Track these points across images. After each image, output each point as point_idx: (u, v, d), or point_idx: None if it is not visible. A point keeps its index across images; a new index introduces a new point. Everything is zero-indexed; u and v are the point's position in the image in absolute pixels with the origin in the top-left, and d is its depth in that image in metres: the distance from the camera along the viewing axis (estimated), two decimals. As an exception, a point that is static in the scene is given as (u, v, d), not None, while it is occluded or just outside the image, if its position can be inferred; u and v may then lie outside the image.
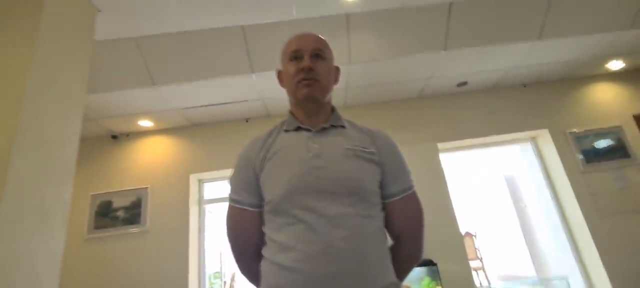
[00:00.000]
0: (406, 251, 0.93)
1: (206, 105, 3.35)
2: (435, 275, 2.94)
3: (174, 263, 3.18)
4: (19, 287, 1.39)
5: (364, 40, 2.84)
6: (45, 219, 1.58)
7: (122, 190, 3.43)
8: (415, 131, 3.62)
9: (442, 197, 3.32)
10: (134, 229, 3.30)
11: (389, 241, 0.93)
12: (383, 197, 0.91)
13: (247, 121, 3.75)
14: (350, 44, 2.82)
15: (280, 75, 1.04)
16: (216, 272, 4.89)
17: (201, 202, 3.66)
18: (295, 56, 0.95)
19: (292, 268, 0.77)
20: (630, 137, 3.47)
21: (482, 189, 5.60)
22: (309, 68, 0.91)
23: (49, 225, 1.59)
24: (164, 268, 3.16)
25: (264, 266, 0.86)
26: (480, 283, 4.73)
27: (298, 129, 0.95)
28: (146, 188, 3.44)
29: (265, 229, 0.89)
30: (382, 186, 0.91)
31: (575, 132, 3.52)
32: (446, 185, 3.38)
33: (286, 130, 0.96)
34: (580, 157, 3.42)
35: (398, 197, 0.91)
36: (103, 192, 3.43)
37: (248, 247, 0.93)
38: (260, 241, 0.91)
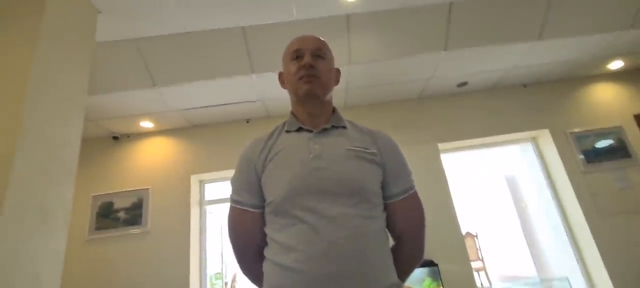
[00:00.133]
0: (408, 251, 0.93)
1: (207, 106, 3.35)
2: (436, 275, 2.94)
3: (175, 264, 3.19)
4: (20, 287, 1.40)
5: (364, 40, 2.84)
6: (47, 220, 1.58)
7: (123, 191, 3.44)
8: (416, 132, 3.62)
9: (443, 197, 3.32)
10: (135, 230, 3.31)
11: (391, 242, 0.93)
12: (384, 197, 0.91)
13: (247, 122, 3.76)
14: (351, 44, 2.82)
15: (281, 77, 1.05)
16: (217, 273, 4.88)
17: (202, 202, 3.67)
18: (296, 55, 0.96)
19: (294, 269, 0.77)
20: (631, 137, 3.47)
21: (483, 189, 5.59)
22: (309, 65, 0.92)
23: (50, 226, 1.59)
24: (165, 269, 3.16)
25: (266, 267, 0.86)
26: (482, 284, 4.72)
27: (299, 129, 0.96)
28: (147, 189, 3.44)
29: (267, 230, 0.89)
30: (383, 187, 0.91)
31: (575, 132, 3.51)
32: (447, 186, 3.38)
33: (287, 131, 0.97)
34: (581, 157, 3.42)
35: (399, 198, 0.92)
36: (104, 193, 3.44)
37: (250, 248, 0.93)
38: (262, 242, 0.91)
